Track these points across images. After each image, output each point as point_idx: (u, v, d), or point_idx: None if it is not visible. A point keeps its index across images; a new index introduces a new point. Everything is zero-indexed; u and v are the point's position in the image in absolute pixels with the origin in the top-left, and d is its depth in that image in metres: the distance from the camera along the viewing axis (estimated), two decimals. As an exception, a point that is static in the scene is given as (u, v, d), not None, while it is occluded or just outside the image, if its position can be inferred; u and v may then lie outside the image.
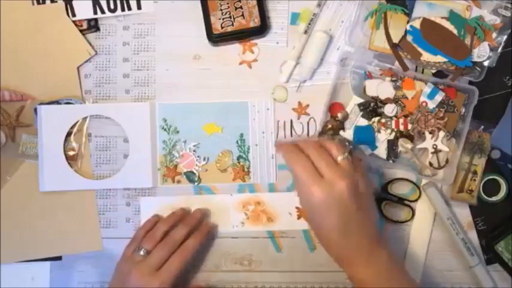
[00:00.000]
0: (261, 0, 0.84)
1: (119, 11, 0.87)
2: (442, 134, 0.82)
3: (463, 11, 0.81)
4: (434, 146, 0.82)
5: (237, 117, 0.86)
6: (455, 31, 0.81)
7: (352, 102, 0.84)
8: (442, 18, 0.81)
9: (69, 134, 0.86)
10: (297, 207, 0.85)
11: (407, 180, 0.85)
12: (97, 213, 0.86)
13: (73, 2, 0.86)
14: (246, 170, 0.86)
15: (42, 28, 0.86)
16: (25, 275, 0.85)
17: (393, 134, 0.83)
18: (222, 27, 0.84)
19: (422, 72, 0.84)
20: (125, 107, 0.86)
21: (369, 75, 0.84)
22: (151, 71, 0.87)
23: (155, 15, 0.87)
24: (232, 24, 0.84)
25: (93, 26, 0.87)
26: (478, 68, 0.82)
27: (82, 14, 0.86)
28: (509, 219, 0.84)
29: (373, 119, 0.83)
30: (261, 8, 0.84)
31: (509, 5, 0.81)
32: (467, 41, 0.81)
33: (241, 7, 0.84)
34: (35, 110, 0.85)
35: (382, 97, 0.83)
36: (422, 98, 0.82)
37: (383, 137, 0.83)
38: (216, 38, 0.84)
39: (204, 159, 0.86)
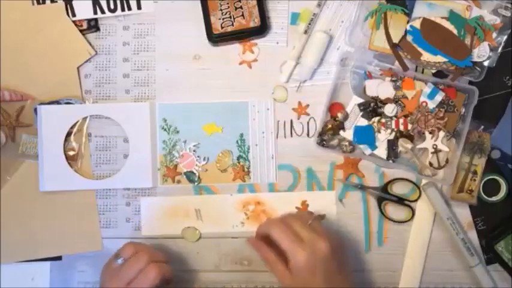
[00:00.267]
0: (261, 0, 0.84)
1: (119, 11, 0.87)
2: (442, 134, 0.82)
3: (463, 11, 0.81)
4: (434, 146, 0.82)
5: (237, 117, 0.86)
6: (455, 31, 0.81)
7: (352, 102, 0.84)
8: (442, 18, 0.81)
9: (69, 134, 0.86)
10: (297, 207, 0.85)
11: (407, 180, 0.85)
12: (97, 213, 0.86)
13: (73, 2, 0.86)
14: (246, 170, 0.86)
15: (42, 28, 0.86)
16: (25, 275, 0.85)
17: (393, 134, 0.83)
18: (222, 27, 0.84)
19: (422, 72, 0.84)
20: (125, 107, 0.86)
21: (369, 75, 0.84)
22: (151, 71, 0.87)
23: (155, 15, 0.87)
24: (232, 24, 0.84)
25: (93, 26, 0.87)
26: (478, 68, 0.82)
27: (82, 14, 0.86)
28: (509, 219, 0.84)
29: (373, 119, 0.83)
30: (261, 8, 0.84)
31: (509, 5, 0.81)
32: (467, 41, 0.81)
33: (241, 7, 0.84)
34: (35, 110, 0.85)
35: (382, 97, 0.83)
36: (422, 98, 0.82)
37: (383, 137, 0.83)
38: (216, 38, 0.84)
39: (204, 159, 0.86)
